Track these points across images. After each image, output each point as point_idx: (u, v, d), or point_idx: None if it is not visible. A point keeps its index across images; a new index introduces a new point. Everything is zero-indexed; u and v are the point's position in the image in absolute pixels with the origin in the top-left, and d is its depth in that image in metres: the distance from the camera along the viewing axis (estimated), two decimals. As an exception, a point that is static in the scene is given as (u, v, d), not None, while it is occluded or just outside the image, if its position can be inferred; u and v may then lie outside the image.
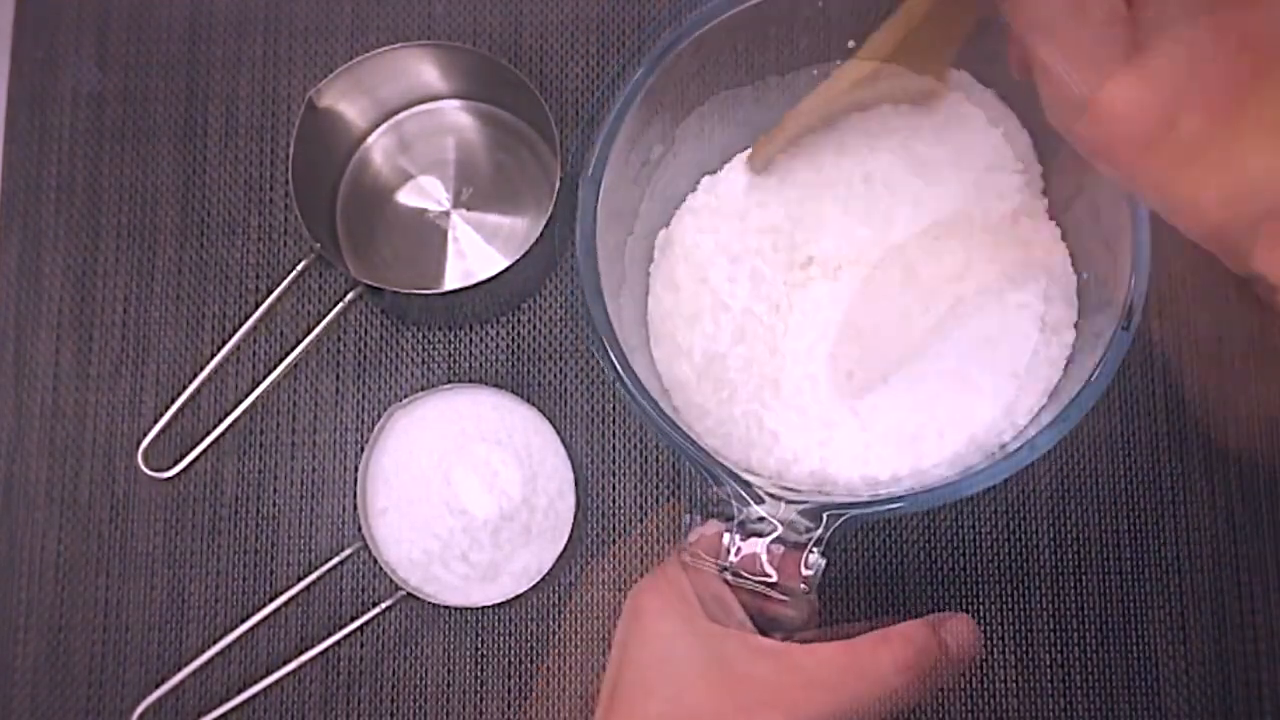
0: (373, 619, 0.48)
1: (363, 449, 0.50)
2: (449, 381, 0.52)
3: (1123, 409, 0.52)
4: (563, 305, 0.54)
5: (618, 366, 0.41)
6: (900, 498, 0.40)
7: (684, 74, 0.45)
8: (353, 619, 0.48)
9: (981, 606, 0.51)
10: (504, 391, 0.50)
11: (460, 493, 0.49)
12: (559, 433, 0.50)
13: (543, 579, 0.49)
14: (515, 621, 0.51)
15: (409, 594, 0.48)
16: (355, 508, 0.49)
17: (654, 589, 0.39)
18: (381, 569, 0.49)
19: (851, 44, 0.46)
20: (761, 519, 0.39)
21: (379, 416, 0.50)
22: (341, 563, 0.49)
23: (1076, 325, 0.44)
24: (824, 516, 0.38)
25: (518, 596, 0.48)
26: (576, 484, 0.50)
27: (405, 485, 0.49)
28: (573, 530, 0.49)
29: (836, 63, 0.46)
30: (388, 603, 0.48)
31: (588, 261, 0.42)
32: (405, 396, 0.50)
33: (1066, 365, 0.44)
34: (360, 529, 0.49)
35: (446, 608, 0.50)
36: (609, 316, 0.41)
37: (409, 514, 0.49)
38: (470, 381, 0.52)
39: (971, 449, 0.44)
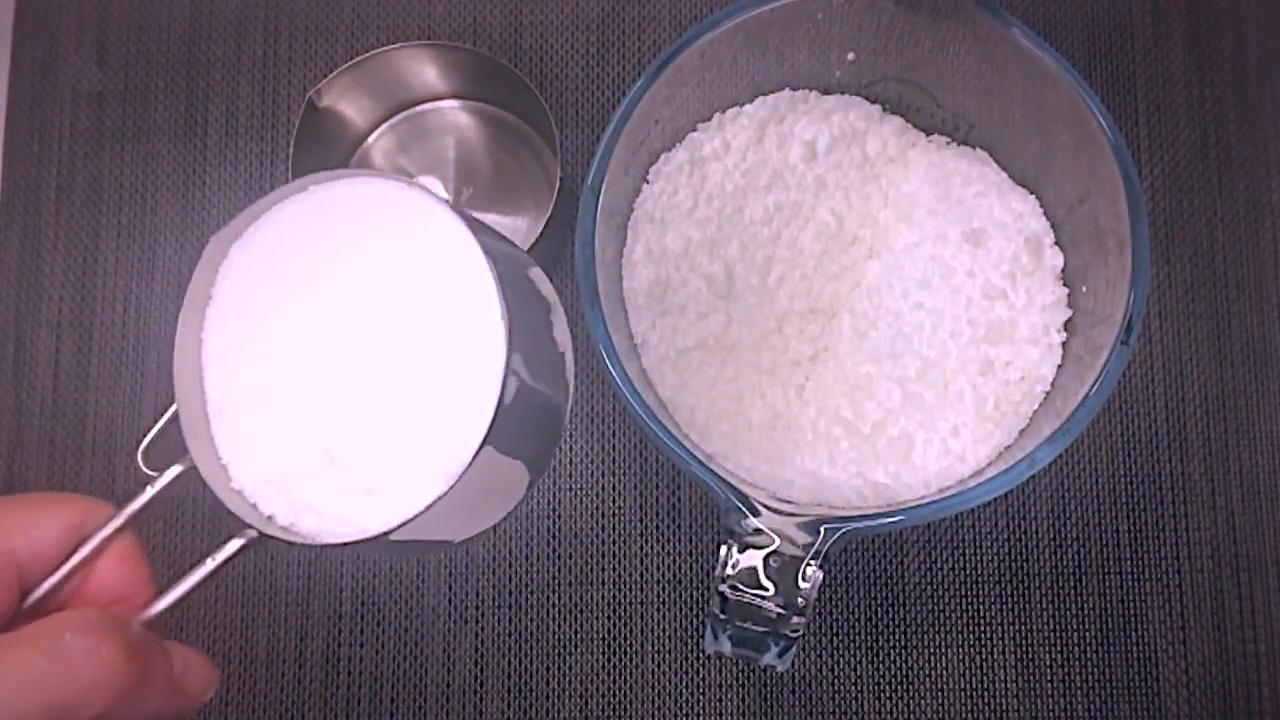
0: (221, 567, 0.33)
1: None
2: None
3: (1123, 409, 0.52)
4: (562, 305, 0.54)
5: (616, 377, 0.41)
6: (898, 512, 0.40)
7: (684, 84, 0.45)
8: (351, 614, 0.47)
9: (982, 607, 0.51)
10: (367, 174, 0.33)
11: (302, 333, 0.29)
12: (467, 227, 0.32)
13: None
14: (515, 621, 0.51)
15: (263, 536, 0.31)
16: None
17: None
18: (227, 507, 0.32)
19: (851, 56, 0.46)
20: (758, 531, 0.38)
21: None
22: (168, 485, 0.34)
23: (1070, 341, 0.44)
24: (821, 530, 0.38)
25: (425, 509, 0.29)
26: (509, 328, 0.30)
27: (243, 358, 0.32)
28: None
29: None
30: (234, 545, 0.32)
31: (586, 271, 0.42)
32: None
33: (1057, 376, 0.44)
34: (187, 448, 0.33)
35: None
36: (608, 329, 0.41)
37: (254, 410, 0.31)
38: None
39: (969, 463, 0.44)
